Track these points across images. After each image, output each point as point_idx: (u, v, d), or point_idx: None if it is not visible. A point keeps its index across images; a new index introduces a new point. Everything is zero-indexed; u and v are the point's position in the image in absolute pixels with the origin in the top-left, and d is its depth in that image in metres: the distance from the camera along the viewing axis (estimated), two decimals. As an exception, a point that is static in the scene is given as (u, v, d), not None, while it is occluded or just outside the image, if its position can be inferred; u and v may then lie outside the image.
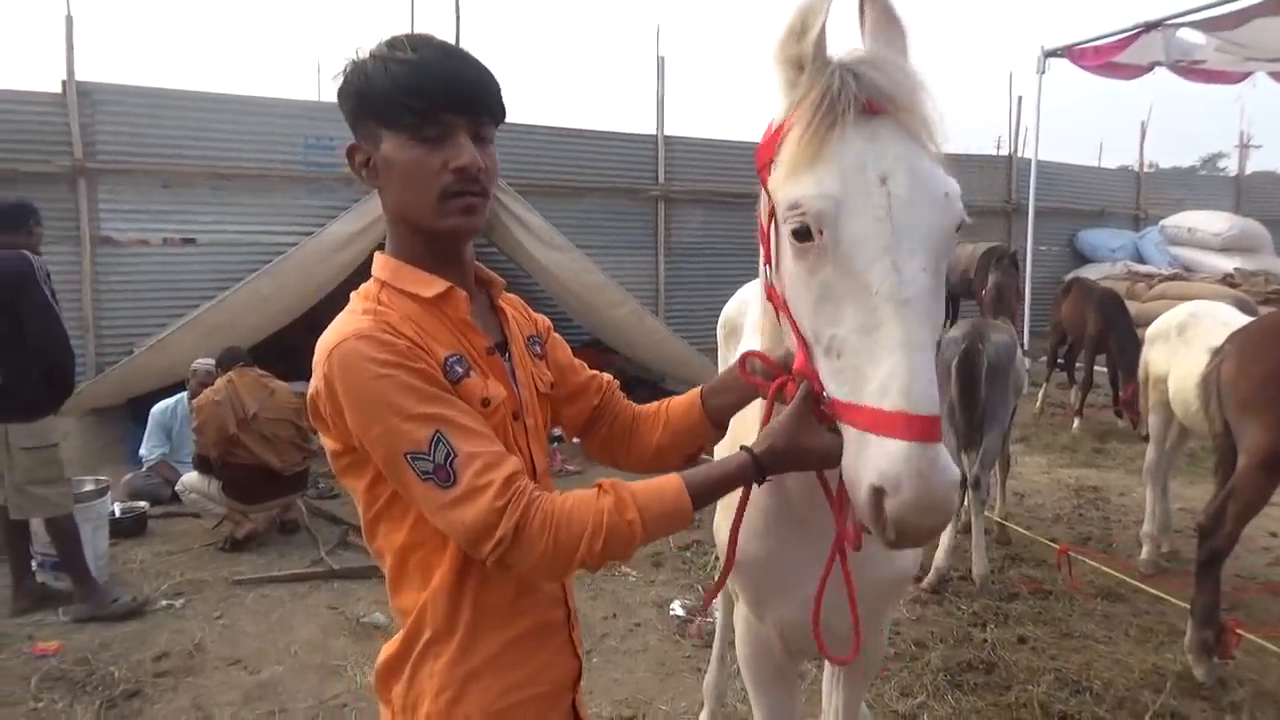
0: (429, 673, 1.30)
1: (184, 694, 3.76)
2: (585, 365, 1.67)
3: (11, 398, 4.29)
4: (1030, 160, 11.90)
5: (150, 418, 6.57)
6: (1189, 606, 3.93)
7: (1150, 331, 5.31)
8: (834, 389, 1.24)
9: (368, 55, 1.30)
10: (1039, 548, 5.35)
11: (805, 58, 1.27)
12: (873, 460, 1.14)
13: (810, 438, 1.30)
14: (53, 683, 3.82)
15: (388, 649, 1.36)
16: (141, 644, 4.19)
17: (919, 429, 1.11)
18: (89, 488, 4.98)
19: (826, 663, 2.38)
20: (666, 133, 11.14)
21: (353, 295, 1.37)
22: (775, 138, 1.32)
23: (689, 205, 11.37)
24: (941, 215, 1.23)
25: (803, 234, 1.24)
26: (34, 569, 4.68)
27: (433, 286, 1.33)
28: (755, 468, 1.32)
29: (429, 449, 1.17)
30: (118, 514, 5.60)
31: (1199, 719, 3.51)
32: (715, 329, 3.13)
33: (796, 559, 1.73)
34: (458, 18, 9.20)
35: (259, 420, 5.33)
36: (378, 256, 1.39)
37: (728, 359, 2.95)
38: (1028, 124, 12.57)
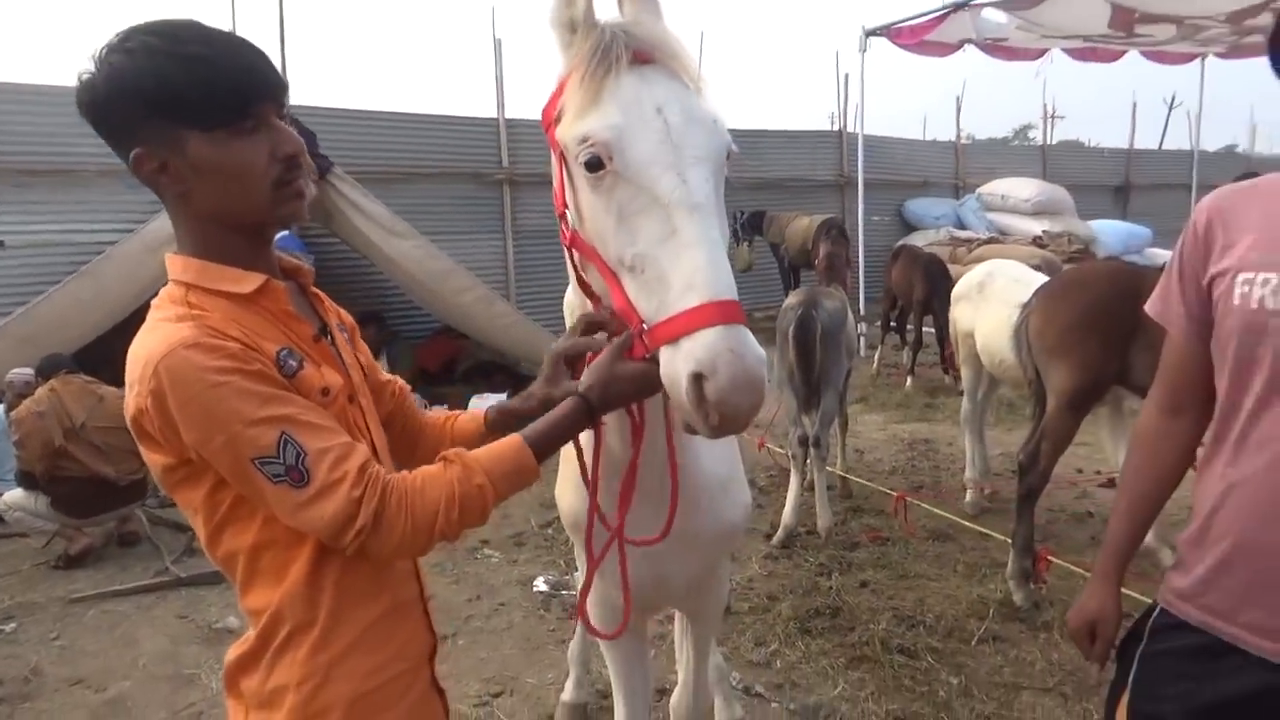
0: (289, 663, 1.28)
1: (22, 721, 3.56)
2: (380, 369, 1.68)
3: None
4: (858, 135, 12.53)
5: (-38, 436, 6.07)
6: (1009, 540, 4.34)
7: (955, 292, 5.79)
8: (643, 306, 1.33)
9: (135, 50, 1.20)
10: (878, 499, 5.73)
11: (577, 20, 1.44)
12: (688, 351, 1.23)
13: (628, 366, 1.39)
14: None
15: (238, 648, 1.35)
16: (-31, 674, 3.93)
17: (725, 313, 1.22)
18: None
19: (677, 618, 2.52)
20: (508, 115, 11.08)
21: (153, 306, 1.29)
22: (558, 94, 1.45)
23: (535, 188, 11.36)
24: (713, 137, 1.39)
25: (594, 164, 1.34)
26: None
27: (248, 281, 1.29)
28: (584, 404, 1.40)
29: (277, 452, 1.16)
30: (-70, 541, 5.19)
31: (1017, 639, 3.89)
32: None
33: (631, 513, 1.83)
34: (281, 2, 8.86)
35: (88, 430, 5.03)
36: (173, 259, 1.31)
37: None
38: (855, 100, 13.21)
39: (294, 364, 1.27)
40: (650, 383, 1.35)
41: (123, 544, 5.38)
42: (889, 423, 8.04)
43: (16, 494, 5.13)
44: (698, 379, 1.22)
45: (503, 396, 7.69)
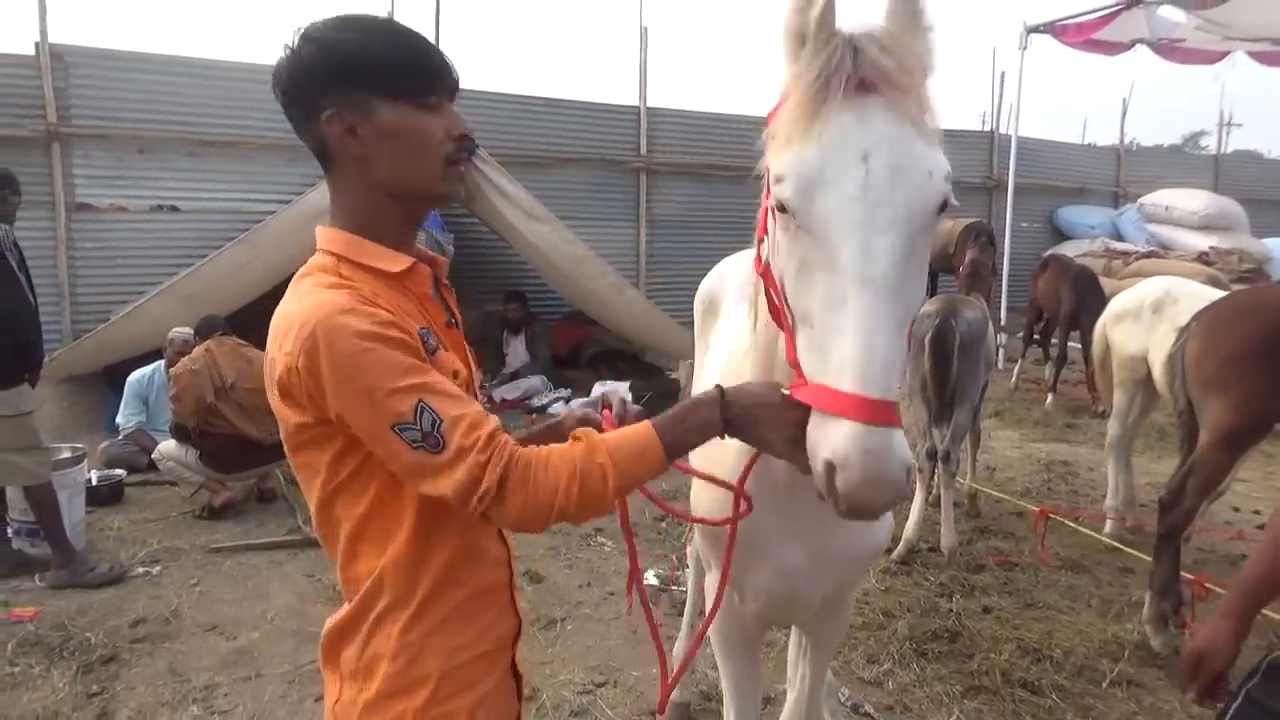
0: (386, 635, 1.33)
1: (160, 659, 3.80)
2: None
3: (-18, 366, 4.29)
4: (1011, 136, 11.95)
5: (127, 386, 6.55)
6: (1149, 577, 4.04)
7: (1116, 309, 5.37)
8: (806, 361, 1.27)
9: (339, 25, 1.32)
10: (1007, 520, 5.45)
11: (808, 30, 1.29)
12: (827, 436, 1.19)
13: (778, 394, 1.35)
14: (29, 648, 3.85)
15: (335, 618, 1.39)
16: (118, 610, 4.22)
17: (869, 411, 1.16)
18: (65, 455, 4.97)
19: (794, 631, 2.45)
20: (649, 104, 11.09)
21: (302, 273, 1.35)
22: (775, 110, 1.36)
23: (671, 177, 11.35)
24: (921, 195, 1.24)
25: (783, 208, 1.27)
26: (10, 535, 4.69)
27: (398, 261, 1.35)
28: (719, 399, 1.35)
29: (415, 418, 1.20)
30: (94, 482, 5.61)
31: (1154, 686, 3.62)
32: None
33: (773, 528, 1.78)
34: (439, -15, 9.11)
35: (237, 390, 5.34)
36: (327, 232, 1.38)
37: (705, 333, 2.97)
38: (1010, 100, 12.59)
39: (433, 343, 1.32)
40: (786, 419, 1.32)
41: (261, 500, 5.69)
42: (1025, 441, 7.66)
43: (170, 445, 5.49)
44: (830, 467, 1.19)
45: (625, 385, 7.74)
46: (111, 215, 8.41)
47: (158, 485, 5.98)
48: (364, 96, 1.30)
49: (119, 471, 5.89)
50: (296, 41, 1.32)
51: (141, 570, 4.67)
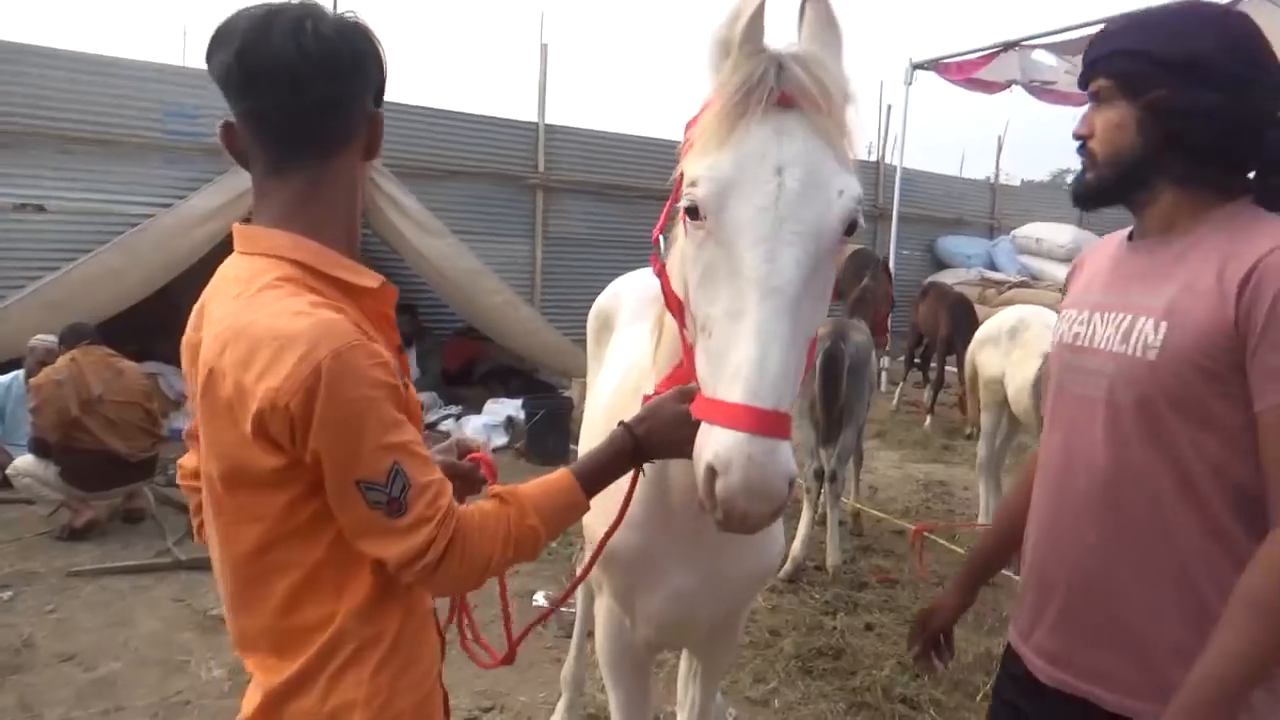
0: (354, 681, 1.23)
1: (9, 693, 3.54)
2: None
3: None
4: (896, 167, 12.44)
5: (-21, 397, 6.10)
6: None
7: (980, 335, 5.65)
8: (702, 370, 1.29)
9: (367, 32, 1.29)
10: (889, 539, 5.63)
11: (733, 42, 1.29)
12: (712, 441, 1.19)
13: (677, 409, 1.37)
14: None
15: (273, 677, 1.25)
16: (-37, 640, 3.91)
17: (756, 420, 1.16)
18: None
19: (684, 654, 2.45)
20: (548, 120, 11.08)
21: (266, 275, 1.20)
22: (697, 118, 1.36)
23: (569, 195, 11.35)
24: (830, 213, 1.26)
25: (694, 212, 1.28)
26: None
27: (367, 276, 1.28)
28: (628, 436, 1.39)
29: (386, 481, 1.15)
30: (-62, 500, 5.19)
31: (1023, 699, 3.78)
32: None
33: (666, 552, 1.78)
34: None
35: (104, 403, 5.03)
36: (279, 235, 1.24)
37: (598, 353, 2.97)
38: (895, 132, 13.12)
39: (401, 375, 1.25)
40: (683, 419, 1.34)
41: (128, 520, 5.38)
42: (905, 461, 7.94)
43: (28, 460, 5.13)
44: (710, 471, 1.19)
45: (518, 403, 7.66)
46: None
47: (11, 504, 5.56)
48: (368, 103, 1.31)
49: (-33, 489, 5.46)
50: (336, 25, 1.24)
51: (-10, 596, 4.34)
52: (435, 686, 1.38)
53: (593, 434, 2.28)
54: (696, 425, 1.30)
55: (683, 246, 1.36)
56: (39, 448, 5.05)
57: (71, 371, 5.00)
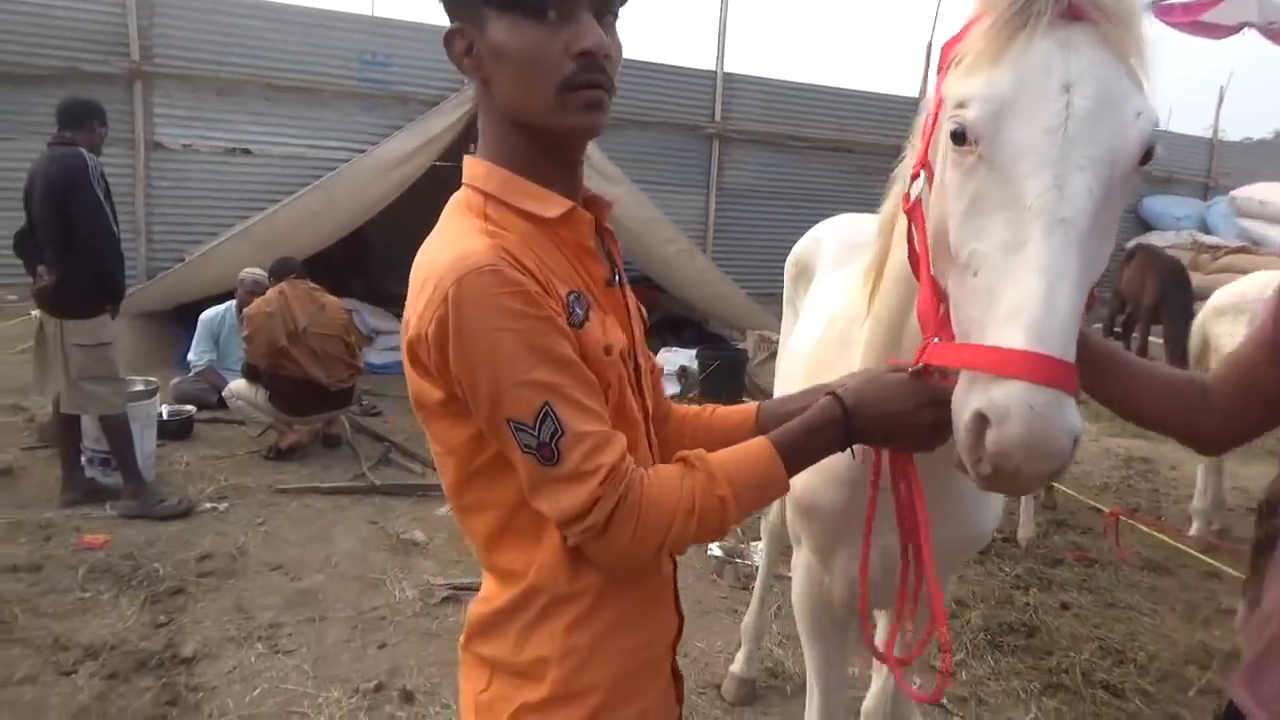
0: (549, 634, 1.17)
1: (226, 595, 3.82)
2: None
3: (65, 295, 4.33)
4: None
5: (199, 324, 6.62)
6: (1242, 585, 3.83)
7: (1218, 303, 5.06)
8: (960, 312, 1.12)
9: None
10: (1085, 515, 5.25)
11: None
12: (984, 388, 1.03)
13: (895, 376, 1.20)
14: (99, 574, 3.90)
15: (483, 605, 1.23)
16: (185, 544, 4.25)
17: (1040, 369, 0.99)
18: (139, 388, 5.02)
19: (883, 615, 2.33)
20: (727, 69, 10.85)
21: (453, 206, 1.18)
22: (960, 36, 1.20)
23: (745, 146, 11.13)
24: (1126, 137, 1.08)
25: (961, 136, 1.12)
26: (83, 463, 4.76)
27: (553, 205, 1.15)
28: (836, 407, 1.20)
29: (534, 423, 1.05)
30: (164, 416, 5.67)
31: (1246, 699, 3.43)
32: (764, 273, 3.01)
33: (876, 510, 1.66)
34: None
35: (309, 335, 5.33)
36: (475, 163, 1.19)
37: (795, 299, 2.84)
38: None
39: (581, 313, 1.14)
40: (917, 401, 1.17)
41: (326, 444, 5.72)
42: (1103, 434, 7.37)
43: (240, 384, 5.53)
44: (980, 419, 1.02)
45: (691, 353, 7.62)
46: (186, 156, 8.50)
47: (226, 423, 6.04)
48: (478, 7, 1.11)
49: (189, 407, 5.95)
50: None
51: (209, 506, 4.71)
52: (653, 665, 1.27)
53: (789, 384, 2.17)
54: (925, 401, 1.16)
55: (943, 176, 1.19)
56: (250, 373, 5.43)
57: (280, 304, 5.32)
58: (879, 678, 2.32)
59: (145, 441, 4.85)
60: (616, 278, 1.26)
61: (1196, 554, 4.68)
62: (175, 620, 3.59)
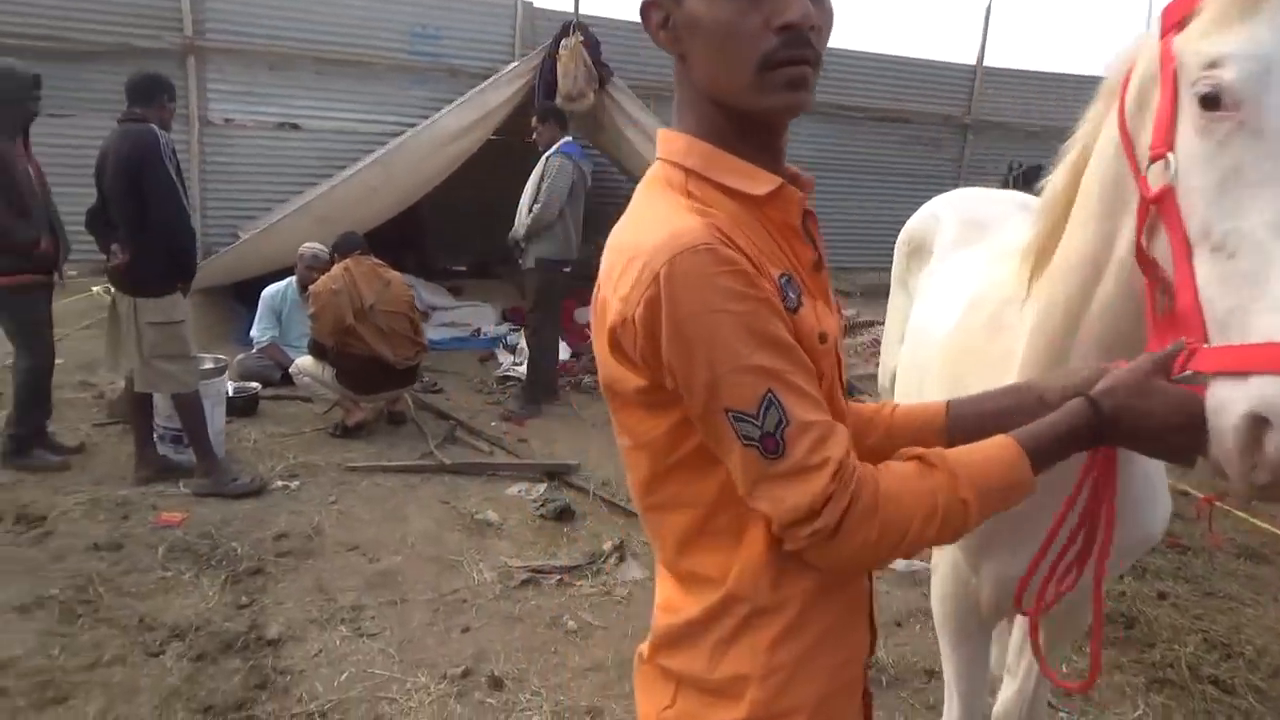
0: (749, 650, 1.08)
1: (305, 575, 3.79)
2: None
3: (139, 273, 4.30)
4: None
5: (261, 300, 6.59)
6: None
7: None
8: (1217, 303, 1.00)
9: None
10: (1175, 500, 5.06)
11: None
12: (1256, 387, 0.92)
13: (1169, 388, 1.06)
14: (179, 553, 3.89)
15: (670, 616, 1.15)
16: (261, 523, 4.23)
17: None
18: (208, 365, 5.00)
19: (1018, 620, 2.22)
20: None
21: (650, 183, 1.11)
22: None
23: (801, 117, 10.87)
24: None
25: (1213, 100, 1.01)
26: (155, 440, 4.75)
27: (761, 181, 1.07)
28: (1091, 412, 1.08)
29: (758, 412, 0.96)
30: (230, 393, 5.65)
31: (1366, 697, 3.29)
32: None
33: (1039, 507, 1.54)
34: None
35: (375, 312, 5.27)
36: (673, 136, 1.11)
37: (907, 278, 2.72)
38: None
39: (794, 296, 1.05)
40: (1187, 418, 1.03)
41: (391, 421, 5.68)
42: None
43: (307, 361, 5.49)
44: (1258, 423, 0.92)
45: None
46: (239, 132, 8.50)
47: (290, 400, 6.02)
48: None
49: (254, 384, 5.93)
50: None
51: (280, 484, 4.68)
52: (852, 684, 1.17)
53: (923, 371, 2.05)
54: (1197, 420, 1.02)
55: (1188, 147, 1.06)
56: (317, 350, 5.38)
57: (346, 281, 5.26)
58: (1012, 680, 2.21)
59: (216, 419, 4.83)
60: (820, 260, 1.17)
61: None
62: (257, 601, 3.57)
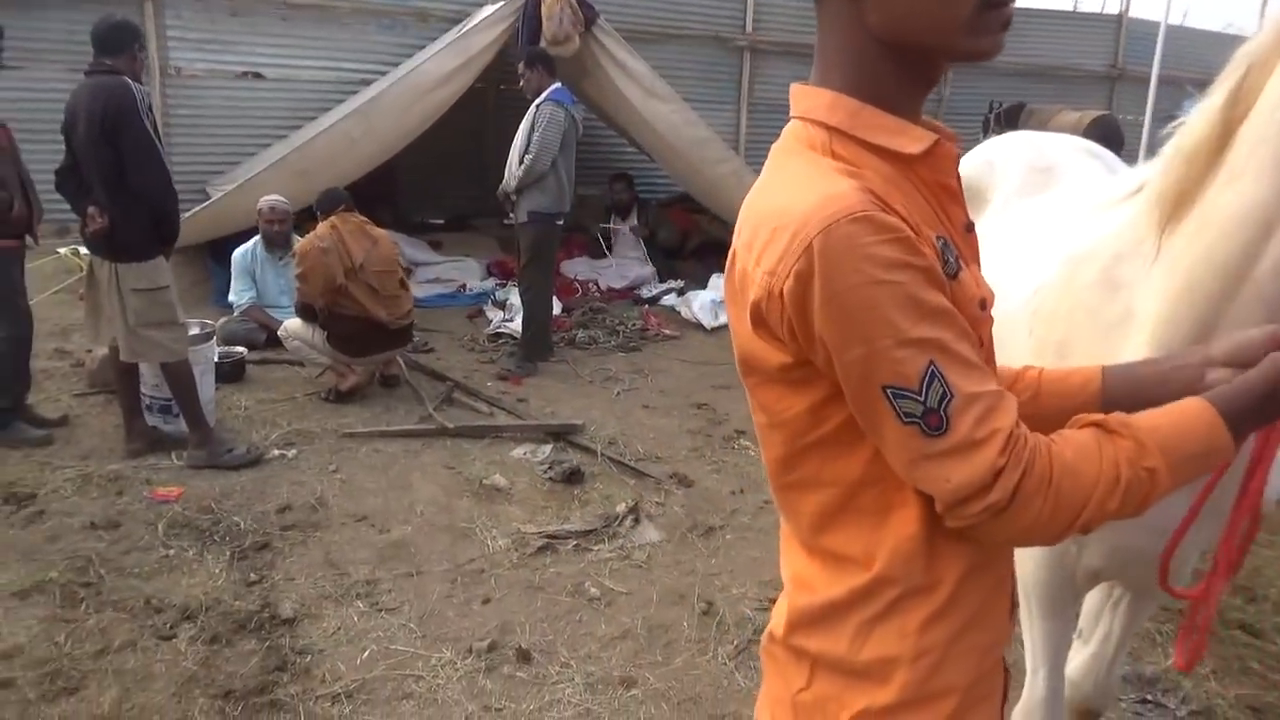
0: (898, 632, 1.02)
1: (314, 549, 3.67)
2: None
3: (119, 237, 4.08)
4: (1161, 24, 10.94)
5: (233, 263, 6.34)
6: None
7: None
8: None
9: None
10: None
11: None
12: None
13: None
14: (179, 529, 3.75)
15: (807, 595, 1.09)
16: (262, 495, 4.09)
17: None
18: (194, 331, 4.79)
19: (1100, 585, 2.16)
20: (759, -26, 10.31)
21: (787, 144, 1.02)
22: None
23: (777, 58, 10.65)
24: None
25: None
26: (144, 410, 4.57)
27: (914, 139, 0.98)
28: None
29: (920, 387, 0.89)
30: (216, 359, 5.45)
31: (1391, 637, 3.32)
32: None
33: None
34: None
35: (366, 271, 5.07)
36: (814, 92, 1.02)
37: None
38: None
39: (952, 261, 0.97)
40: None
41: (384, 384, 5.51)
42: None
43: (295, 323, 5.29)
44: None
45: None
46: (202, 81, 8.14)
47: (277, 364, 5.83)
48: None
49: (240, 349, 5.71)
50: None
51: (277, 453, 4.53)
52: (997, 666, 1.12)
53: (1008, 334, 1.94)
54: None
55: None
56: (305, 312, 5.18)
57: (334, 239, 5.04)
58: (1084, 646, 2.16)
59: (205, 387, 4.65)
60: (971, 223, 1.08)
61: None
62: (267, 577, 3.45)
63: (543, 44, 6.54)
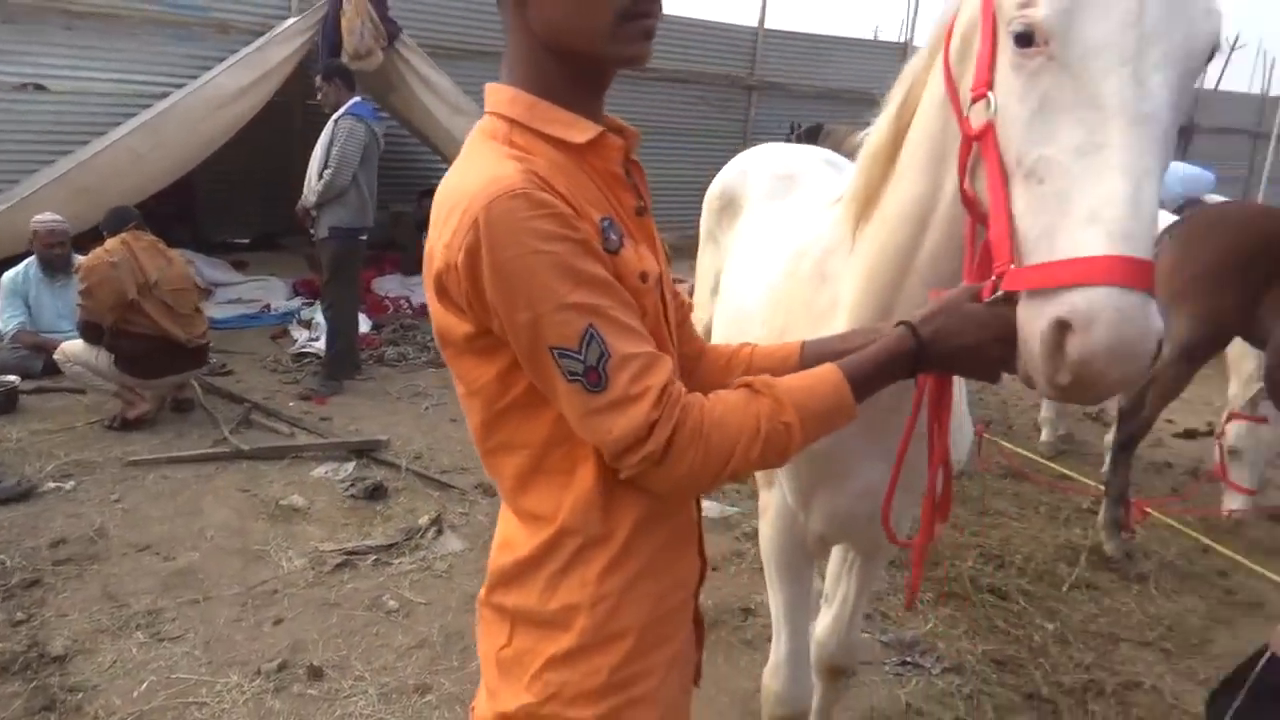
0: (579, 581, 1.13)
1: (91, 582, 3.48)
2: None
3: None
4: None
5: (0, 286, 5.84)
6: (1102, 486, 4.19)
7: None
8: (1025, 226, 1.09)
9: None
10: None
11: None
12: (1064, 297, 1.01)
13: (977, 307, 1.16)
14: (-65, 572, 3.47)
15: (506, 554, 1.19)
16: (33, 530, 3.83)
17: (1132, 273, 0.98)
18: (-46, 361, 4.43)
19: (836, 551, 2.36)
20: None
21: (475, 135, 1.14)
22: None
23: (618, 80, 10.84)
24: (1197, 32, 1.07)
25: (1026, 38, 1.09)
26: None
27: (582, 130, 1.11)
28: (911, 338, 1.17)
29: (579, 346, 1.01)
30: (-17, 390, 5.05)
31: (1110, 589, 3.78)
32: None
33: (857, 442, 1.64)
34: None
35: (159, 289, 4.81)
36: (499, 89, 1.15)
37: (718, 234, 2.78)
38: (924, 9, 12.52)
39: (615, 239, 1.10)
40: (995, 333, 1.13)
41: (177, 410, 5.24)
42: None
43: (77, 346, 4.94)
44: (1061, 327, 1.01)
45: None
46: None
47: (56, 392, 5.44)
48: None
49: (10, 378, 5.27)
50: None
51: (53, 485, 4.24)
52: (680, 610, 1.25)
53: (747, 321, 2.12)
54: (1004, 333, 1.11)
55: (1005, 85, 1.15)
56: (90, 332, 4.85)
57: (125, 254, 4.76)
58: (829, 608, 2.36)
59: (-34, 420, 4.30)
60: (643, 206, 1.23)
61: (1046, 462, 5.11)
62: (36, 615, 3.25)
63: (344, 58, 6.44)
